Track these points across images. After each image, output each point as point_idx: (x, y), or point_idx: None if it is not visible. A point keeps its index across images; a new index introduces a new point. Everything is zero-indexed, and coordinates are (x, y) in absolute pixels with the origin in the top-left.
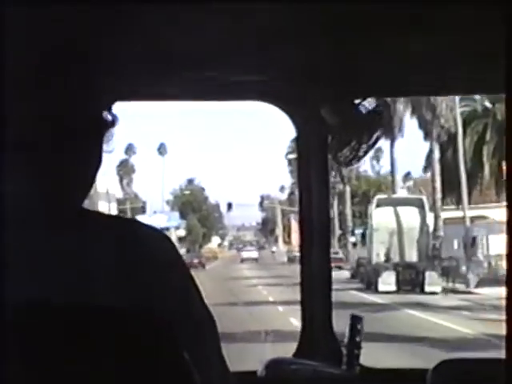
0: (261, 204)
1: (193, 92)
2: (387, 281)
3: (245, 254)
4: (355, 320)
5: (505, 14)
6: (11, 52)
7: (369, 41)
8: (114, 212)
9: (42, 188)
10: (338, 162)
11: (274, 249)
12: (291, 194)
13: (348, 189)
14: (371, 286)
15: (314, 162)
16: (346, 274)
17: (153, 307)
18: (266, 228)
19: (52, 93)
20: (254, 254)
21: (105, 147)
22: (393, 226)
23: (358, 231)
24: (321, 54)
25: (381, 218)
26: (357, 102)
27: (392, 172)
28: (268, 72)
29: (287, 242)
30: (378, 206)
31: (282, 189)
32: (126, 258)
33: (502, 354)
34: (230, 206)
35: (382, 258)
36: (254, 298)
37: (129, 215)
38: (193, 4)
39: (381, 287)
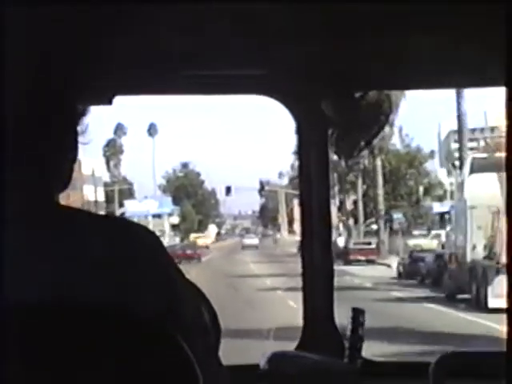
0: (260, 191)
1: (194, 86)
2: (502, 291)
3: (246, 241)
4: (357, 313)
5: (505, 11)
6: (11, 52)
7: (369, 36)
8: (101, 196)
9: (17, 184)
10: (339, 155)
11: (278, 236)
12: (293, 178)
13: (379, 163)
14: (455, 295)
15: (314, 156)
16: (383, 270)
17: (139, 304)
18: (266, 216)
19: (27, 87)
20: (255, 240)
21: (81, 139)
22: (498, 203)
23: (397, 215)
24: (321, 48)
25: (479, 189)
26: (357, 95)
27: (460, 130)
28: (268, 66)
29: (291, 230)
30: (474, 170)
31: (280, 175)
32: (106, 255)
33: None
34: (228, 189)
35: (481, 253)
36: (283, 316)
37: (116, 199)
38: (194, 2)
39: (493, 301)
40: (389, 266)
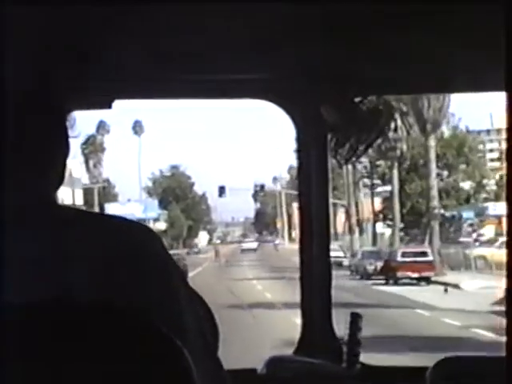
0: (260, 191)
1: (193, 90)
2: None
3: (244, 246)
4: (355, 317)
5: (505, 12)
6: (10, 52)
7: (369, 40)
8: (80, 198)
9: (12, 185)
10: (338, 160)
11: (278, 241)
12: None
13: (432, 143)
14: None
15: (313, 160)
16: (457, 294)
17: (137, 303)
18: (262, 222)
19: (23, 87)
20: (254, 244)
21: (70, 133)
22: None
23: (468, 214)
24: (321, 52)
25: None
26: (357, 100)
27: None
28: (268, 70)
29: (290, 237)
30: None
31: (275, 179)
32: (104, 255)
33: None
34: (222, 190)
35: None
36: None
37: (96, 202)
38: (194, 3)
39: None
40: (457, 286)
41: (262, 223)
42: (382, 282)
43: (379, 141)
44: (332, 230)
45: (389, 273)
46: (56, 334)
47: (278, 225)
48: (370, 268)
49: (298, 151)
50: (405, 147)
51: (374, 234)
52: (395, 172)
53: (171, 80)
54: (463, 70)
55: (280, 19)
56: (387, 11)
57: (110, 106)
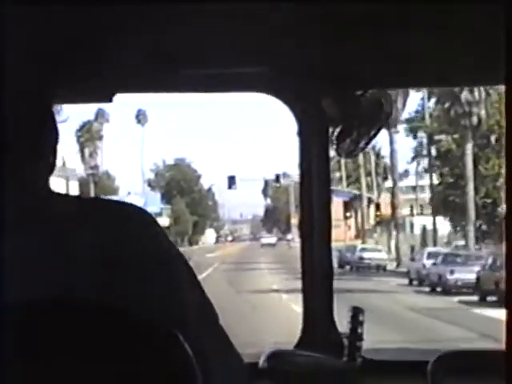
0: (265, 190)
1: (194, 84)
2: None
3: (264, 241)
4: (356, 311)
5: (505, 12)
6: (11, 52)
7: (369, 39)
8: (75, 191)
9: (10, 182)
10: (339, 154)
11: (290, 237)
12: None
13: None
14: None
15: (315, 154)
16: None
17: (136, 299)
18: (272, 219)
19: (19, 83)
20: (273, 240)
21: (58, 118)
22: None
23: None
24: (322, 46)
25: None
26: (358, 93)
27: None
28: (268, 65)
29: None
30: None
31: (285, 175)
32: (104, 245)
33: None
34: (232, 180)
35: None
36: None
37: (92, 194)
38: (193, 3)
39: None
40: None
41: (272, 220)
42: (473, 299)
43: (447, 105)
44: (361, 227)
45: (492, 287)
46: (56, 334)
47: (293, 220)
48: (451, 278)
49: (300, 145)
50: (483, 113)
51: (425, 231)
52: (469, 147)
53: (173, 74)
54: (463, 69)
55: (281, 16)
56: (387, 11)
57: (110, 100)
